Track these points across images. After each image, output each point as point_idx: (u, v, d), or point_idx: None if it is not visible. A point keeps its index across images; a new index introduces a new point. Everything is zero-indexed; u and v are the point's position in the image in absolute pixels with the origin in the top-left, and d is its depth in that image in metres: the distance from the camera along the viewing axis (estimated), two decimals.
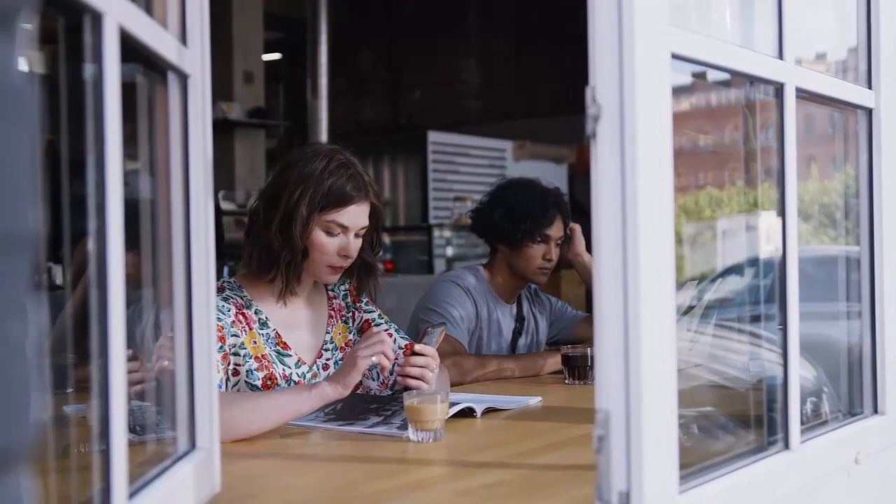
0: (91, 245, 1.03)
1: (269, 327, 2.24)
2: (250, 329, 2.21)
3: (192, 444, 1.38)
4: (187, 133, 1.37)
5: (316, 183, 2.18)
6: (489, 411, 2.19)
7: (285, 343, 2.25)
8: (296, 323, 2.31)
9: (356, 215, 2.23)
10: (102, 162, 1.02)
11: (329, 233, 2.21)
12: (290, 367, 2.24)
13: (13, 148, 0.55)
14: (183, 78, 1.36)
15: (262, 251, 2.22)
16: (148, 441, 1.45)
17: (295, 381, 2.24)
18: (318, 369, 2.30)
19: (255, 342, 2.20)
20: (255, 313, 2.24)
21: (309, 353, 2.30)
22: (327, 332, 2.36)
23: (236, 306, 2.19)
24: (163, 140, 1.36)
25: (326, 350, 2.35)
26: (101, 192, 1.02)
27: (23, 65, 0.57)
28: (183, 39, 1.36)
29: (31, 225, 0.57)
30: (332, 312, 2.40)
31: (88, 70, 1.03)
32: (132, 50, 1.12)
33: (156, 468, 1.27)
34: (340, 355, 2.36)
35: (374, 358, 1.99)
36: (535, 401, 2.37)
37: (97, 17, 1.00)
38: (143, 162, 1.37)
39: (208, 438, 1.40)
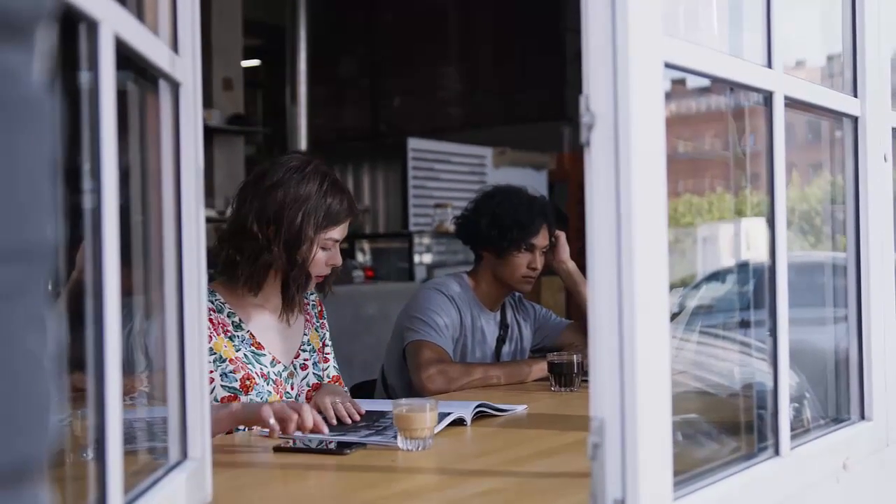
0: (87, 253, 1.02)
1: (243, 329, 2.30)
2: (219, 335, 2.25)
3: (184, 455, 1.37)
4: (178, 141, 1.36)
5: (316, 204, 2.27)
6: (480, 416, 2.20)
7: (259, 343, 2.31)
8: (272, 325, 2.36)
9: (346, 228, 2.36)
10: (98, 170, 1.01)
11: (324, 248, 2.31)
12: (265, 366, 2.30)
13: (33, 158, 0.55)
14: (175, 86, 1.35)
15: (262, 269, 2.27)
16: (137, 451, 1.44)
17: (273, 380, 2.30)
18: (295, 368, 2.38)
19: (226, 346, 2.25)
20: (228, 316, 2.29)
21: (285, 354, 2.37)
22: (304, 334, 2.44)
23: None
24: (154, 148, 1.36)
25: (304, 350, 2.43)
26: (96, 199, 1.01)
27: (41, 76, 0.57)
28: (174, 47, 1.35)
29: (49, 236, 0.57)
30: (308, 316, 2.48)
31: (83, 77, 1.02)
32: (124, 57, 1.12)
33: (148, 478, 1.26)
34: (317, 357, 2.45)
35: (271, 421, 1.93)
36: (521, 409, 2.37)
37: (93, 26, 1.00)
38: (133, 170, 1.37)
39: (200, 449, 1.39)
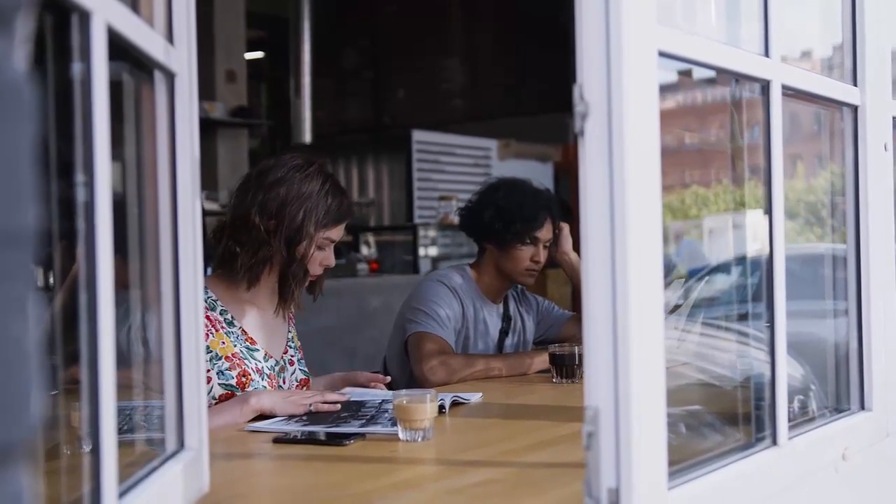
0: (80, 246, 1.02)
1: (235, 326, 2.33)
2: (217, 331, 2.28)
3: (181, 445, 1.38)
4: (174, 132, 1.37)
5: (317, 203, 2.30)
6: (455, 405, 2.24)
7: (252, 338, 2.35)
8: (261, 322, 2.40)
9: (342, 230, 2.40)
10: (91, 162, 1.01)
11: (320, 248, 2.35)
12: (259, 361, 2.34)
13: (14, 145, 0.55)
14: (170, 77, 1.35)
15: (261, 263, 2.30)
16: (135, 441, 1.45)
17: (266, 375, 2.33)
18: (284, 363, 2.43)
19: (223, 343, 2.29)
20: (221, 314, 2.32)
21: (275, 349, 2.41)
22: (289, 332, 2.50)
23: None
24: (149, 139, 1.36)
25: (290, 347, 2.48)
26: (89, 192, 1.01)
27: (21, 63, 0.57)
28: (170, 38, 1.35)
29: (31, 222, 0.57)
30: (291, 316, 2.52)
31: (75, 69, 1.02)
32: (118, 48, 1.12)
33: (144, 468, 1.26)
34: (300, 354, 2.51)
35: (311, 407, 2.15)
36: (477, 396, 2.39)
37: (85, 16, 1.00)
38: (129, 162, 1.37)
39: (197, 438, 1.39)
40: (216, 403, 2.20)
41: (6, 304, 0.55)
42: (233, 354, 2.27)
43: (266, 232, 2.28)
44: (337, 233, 2.37)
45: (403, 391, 2.00)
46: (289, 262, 2.30)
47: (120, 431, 1.12)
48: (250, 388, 2.25)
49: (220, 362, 2.25)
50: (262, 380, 2.30)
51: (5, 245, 0.55)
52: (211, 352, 2.23)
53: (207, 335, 2.23)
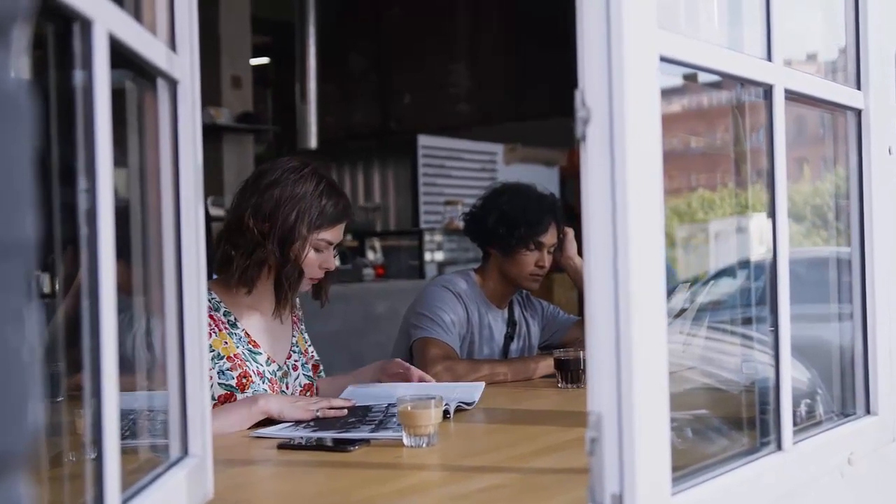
0: (82, 252, 1.02)
1: (238, 328, 2.33)
2: (220, 331, 2.29)
3: (185, 451, 1.38)
4: (177, 139, 1.37)
5: (310, 204, 2.30)
6: (458, 411, 2.23)
7: (255, 342, 2.35)
8: (264, 326, 2.40)
9: (341, 232, 2.39)
10: (93, 169, 1.01)
11: (317, 249, 2.34)
12: (262, 365, 2.34)
13: (10, 154, 0.55)
14: (172, 84, 1.35)
15: (256, 265, 2.30)
16: (139, 447, 1.45)
17: (268, 378, 2.34)
18: (288, 368, 2.43)
19: (225, 343, 2.29)
20: (224, 315, 2.33)
21: (278, 354, 2.41)
22: (293, 336, 2.49)
23: None
24: (152, 146, 1.36)
25: (294, 352, 2.47)
26: (91, 199, 1.01)
27: (19, 72, 0.57)
28: (172, 45, 1.36)
29: (28, 232, 0.57)
30: (295, 320, 2.52)
31: (78, 76, 1.03)
32: (121, 56, 1.12)
33: (148, 475, 1.26)
34: (304, 359, 2.49)
35: (319, 413, 2.14)
36: (478, 391, 2.39)
37: (87, 24, 1.00)
38: (132, 169, 1.37)
39: (201, 445, 1.39)
40: (216, 404, 2.20)
41: (2, 314, 0.55)
42: (235, 355, 2.28)
43: (260, 234, 2.28)
44: (333, 234, 2.35)
45: (407, 396, 2.00)
46: (283, 264, 2.30)
47: (123, 437, 1.12)
48: (250, 391, 2.25)
49: (221, 362, 2.25)
50: (263, 383, 2.30)
51: (2, 256, 0.55)
52: (213, 351, 2.24)
53: (210, 334, 2.23)
